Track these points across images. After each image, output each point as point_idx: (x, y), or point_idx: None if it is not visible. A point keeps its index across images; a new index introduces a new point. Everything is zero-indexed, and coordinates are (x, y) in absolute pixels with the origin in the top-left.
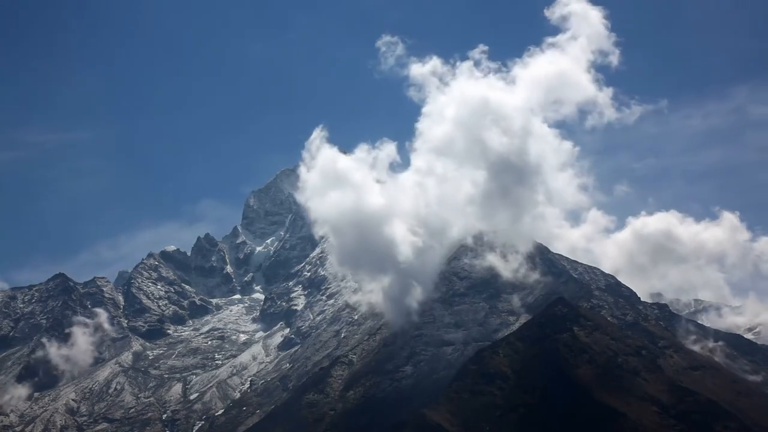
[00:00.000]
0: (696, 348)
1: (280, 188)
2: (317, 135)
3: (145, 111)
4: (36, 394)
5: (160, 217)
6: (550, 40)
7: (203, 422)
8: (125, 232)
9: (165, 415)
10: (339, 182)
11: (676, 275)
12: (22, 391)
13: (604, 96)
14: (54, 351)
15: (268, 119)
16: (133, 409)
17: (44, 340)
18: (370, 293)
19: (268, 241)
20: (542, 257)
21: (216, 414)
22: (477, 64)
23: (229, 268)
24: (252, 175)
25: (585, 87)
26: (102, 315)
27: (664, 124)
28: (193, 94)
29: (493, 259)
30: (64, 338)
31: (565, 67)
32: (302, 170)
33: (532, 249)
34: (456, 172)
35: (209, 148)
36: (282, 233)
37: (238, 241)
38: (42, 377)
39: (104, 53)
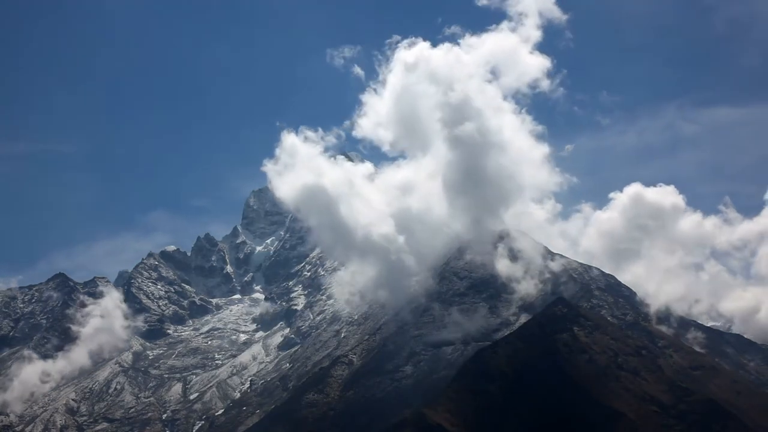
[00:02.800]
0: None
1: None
2: (280, 127)
3: (112, 123)
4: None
5: (116, 229)
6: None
7: (203, 422)
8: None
9: (165, 415)
10: (307, 171)
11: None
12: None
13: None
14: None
15: (219, 134)
16: (133, 409)
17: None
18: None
19: (268, 241)
20: (542, 257)
21: (216, 414)
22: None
23: (229, 268)
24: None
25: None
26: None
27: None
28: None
29: (493, 259)
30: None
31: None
32: (269, 164)
33: (532, 249)
34: (423, 158)
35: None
36: (282, 233)
37: (238, 241)
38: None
39: (74, 64)
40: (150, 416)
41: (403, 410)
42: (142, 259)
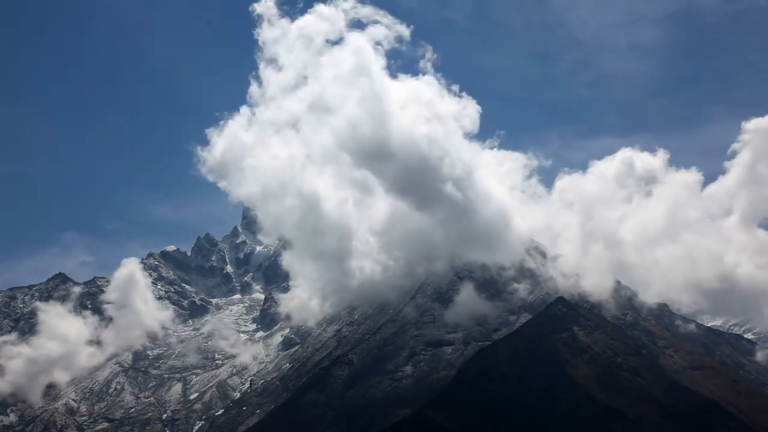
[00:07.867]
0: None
1: None
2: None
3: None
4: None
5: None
6: None
7: (203, 422)
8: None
9: (165, 415)
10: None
11: None
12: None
13: None
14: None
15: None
16: (133, 409)
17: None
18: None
19: (268, 241)
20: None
21: (216, 414)
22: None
23: (229, 268)
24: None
25: None
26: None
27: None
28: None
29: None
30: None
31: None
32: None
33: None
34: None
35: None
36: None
37: (238, 241)
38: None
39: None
40: (150, 416)
41: (403, 410)
42: (142, 258)
